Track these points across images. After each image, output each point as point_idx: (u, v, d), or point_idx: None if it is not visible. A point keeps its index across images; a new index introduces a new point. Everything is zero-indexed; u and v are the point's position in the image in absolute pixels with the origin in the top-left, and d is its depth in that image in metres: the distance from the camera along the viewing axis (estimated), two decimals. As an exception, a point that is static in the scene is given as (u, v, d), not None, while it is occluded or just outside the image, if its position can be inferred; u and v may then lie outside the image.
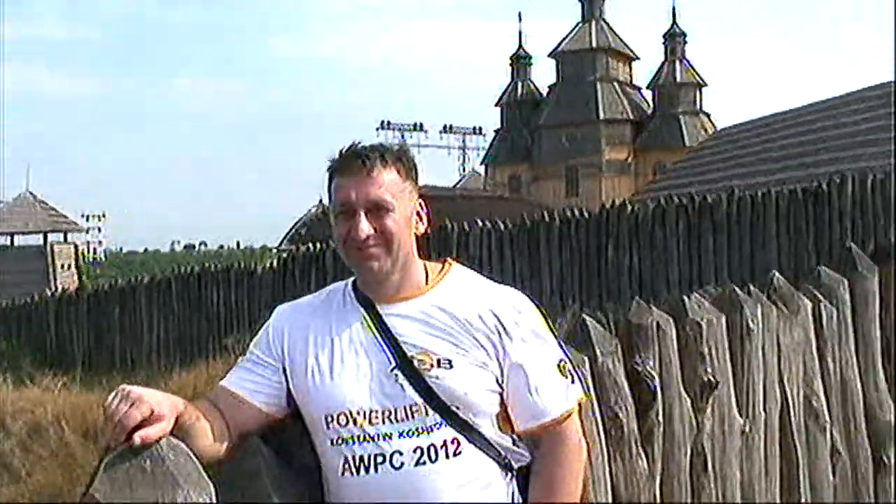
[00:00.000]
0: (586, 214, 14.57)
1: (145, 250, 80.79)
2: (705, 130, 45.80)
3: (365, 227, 2.09)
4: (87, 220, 52.07)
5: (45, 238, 39.34)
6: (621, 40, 50.51)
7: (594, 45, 48.88)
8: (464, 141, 62.38)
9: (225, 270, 17.23)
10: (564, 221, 14.52)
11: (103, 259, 56.16)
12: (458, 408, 2.06)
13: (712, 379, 3.00)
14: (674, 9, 51.04)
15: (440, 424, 2.05)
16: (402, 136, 60.94)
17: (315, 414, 2.11)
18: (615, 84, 49.07)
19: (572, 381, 2.16)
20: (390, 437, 2.04)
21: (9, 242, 39.68)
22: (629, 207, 14.33)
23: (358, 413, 2.06)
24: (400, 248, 2.13)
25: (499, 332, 2.10)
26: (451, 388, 2.05)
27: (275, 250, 36.37)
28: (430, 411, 2.04)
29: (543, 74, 76.58)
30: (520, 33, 53.49)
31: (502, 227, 14.77)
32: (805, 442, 3.41)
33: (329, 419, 2.08)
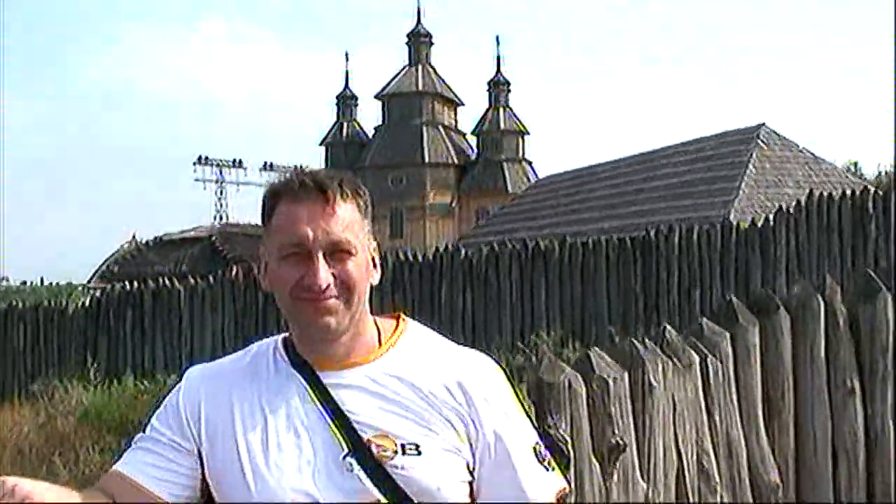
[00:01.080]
0: (419, 257, 14.48)
1: (-60, 285, 75.57)
2: (527, 177, 47.00)
3: (324, 275, 1.68)
4: None
5: None
6: (447, 86, 51.35)
7: (420, 88, 49.50)
8: (286, 179, 61.58)
9: (33, 308, 16.05)
10: (397, 264, 14.35)
11: None
12: None
13: (621, 441, 2.79)
14: (498, 58, 52.50)
15: None
16: (221, 173, 59.67)
17: None
18: (440, 128, 49.75)
19: (548, 467, 1.81)
20: None
21: None
22: (463, 251, 14.32)
23: None
24: (359, 301, 1.73)
25: (469, 409, 1.72)
26: (421, 482, 1.66)
27: (82, 288, 34.58)
28: None
29: (369, 113, 76.96)
30: (346, 73, 53.60)
31: (333, 267, 14.44)
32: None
33: None
